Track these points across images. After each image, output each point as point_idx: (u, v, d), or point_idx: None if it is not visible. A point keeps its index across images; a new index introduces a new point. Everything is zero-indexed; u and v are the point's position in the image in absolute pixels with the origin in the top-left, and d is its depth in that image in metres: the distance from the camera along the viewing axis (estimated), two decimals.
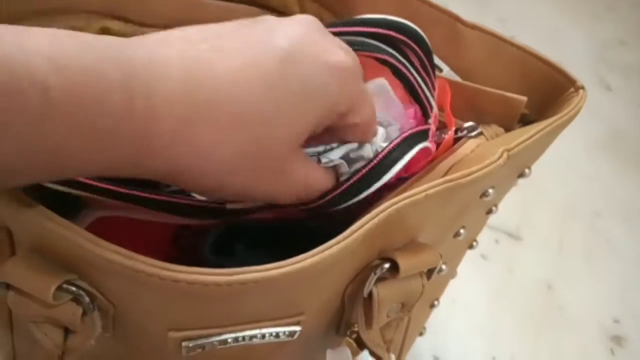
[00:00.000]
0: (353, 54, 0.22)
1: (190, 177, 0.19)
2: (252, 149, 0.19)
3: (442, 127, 0.29)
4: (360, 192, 0.24)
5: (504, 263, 0.53)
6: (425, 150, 0.26)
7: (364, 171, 0.24)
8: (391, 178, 0.24)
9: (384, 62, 0.26)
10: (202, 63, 0.18)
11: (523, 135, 0.26)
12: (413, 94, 0.27)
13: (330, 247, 0.20)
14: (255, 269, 0.19)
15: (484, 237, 0.54)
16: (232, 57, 0.19)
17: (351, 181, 0.23)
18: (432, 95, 0.28)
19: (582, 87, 0.28)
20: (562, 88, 0.29)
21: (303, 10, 0.33)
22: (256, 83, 0.19)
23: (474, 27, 0.30)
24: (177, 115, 0.18)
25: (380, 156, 0.24)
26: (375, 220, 0.21)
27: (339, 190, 0.23)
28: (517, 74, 0.30)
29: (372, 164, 0.24)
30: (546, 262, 0.54)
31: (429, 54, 0.27)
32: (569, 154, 0.64)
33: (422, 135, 0.26)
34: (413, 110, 0.27)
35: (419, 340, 0.40)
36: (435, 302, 0.37)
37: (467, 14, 0.83)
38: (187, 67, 0.18)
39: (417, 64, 0.27)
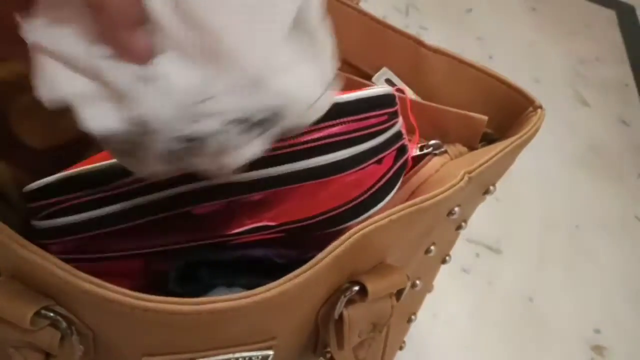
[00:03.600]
0: None
1: None
2: None
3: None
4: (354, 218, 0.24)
5: (485, 276, 0.54)
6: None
7: (360, 199, 0.24)
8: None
9: None
10: None
11: (484, 156, 0.27)
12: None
13: (298, 275, 0.21)
14: (223, 299, 0.20)
15: (465, 251, 0.55)
16: None
17: (349, 206, 0.24)
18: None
19: (540, 107, 0.29)
20: (521, 107, 0.30)
21: None
22: None
23: (436, 50, 0.31)
24: None
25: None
26: (342, 247, 0.22)
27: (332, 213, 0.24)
28: (479, 95, 0.31)
29: (370, 192, 0.24)
30: (527, 274, 0.55)
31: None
32: (547, 168, 0.65)
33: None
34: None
35: (400, 355, 0.41)
36: (413, 317, 0.37)
37: (445, 33, 0.85)
38: None
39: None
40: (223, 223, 0.24)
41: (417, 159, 0.31)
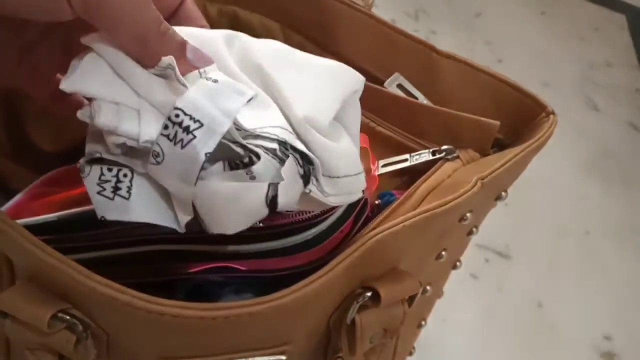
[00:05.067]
0: None
1: None
2: None
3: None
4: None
5: (494, 282, 0.54)
6: None
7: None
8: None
9: None
10: None
11: (496, 163, 0.27)
12: None
13: (312, 281, 0.21)
14: (239, 304, 0.20)
15: (474, 257, 0.55)
16: None
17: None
18: None
19: (553, 113, 0.29)
20: (533, 113, 0.30)
21: (287, 42, 0.35)
22: None
23: (448, 56, 0.31)
24: None
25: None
26: (356, 253, 0.22)
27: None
28: (491, 101, 0.31)
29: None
30: (536, 280, 0.55)
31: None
32: (557, 174, 0.65)
33: None
34: None
35: (409, 359, 0.41)
36: (423, 323, 0.37)
37: (454, 38, 0.84)
38: None
39: None
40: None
41: (429, 164, 0.31)
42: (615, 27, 0.89)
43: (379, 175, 0.31)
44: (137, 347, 0.23)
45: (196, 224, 0.22)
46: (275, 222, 0.24)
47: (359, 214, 0.27)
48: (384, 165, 0.32)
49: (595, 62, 0.82)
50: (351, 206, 0.26)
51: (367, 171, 0.29)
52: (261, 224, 0.24)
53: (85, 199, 0.27)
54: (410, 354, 0.40)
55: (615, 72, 0.81)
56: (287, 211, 0.24)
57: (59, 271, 0.20)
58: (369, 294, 0.24)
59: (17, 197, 0.31)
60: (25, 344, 0.22)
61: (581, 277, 0.56)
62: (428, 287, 0.32)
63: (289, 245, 0.25)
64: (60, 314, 0.21)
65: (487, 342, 0.49)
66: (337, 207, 0.25)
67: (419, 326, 0.37)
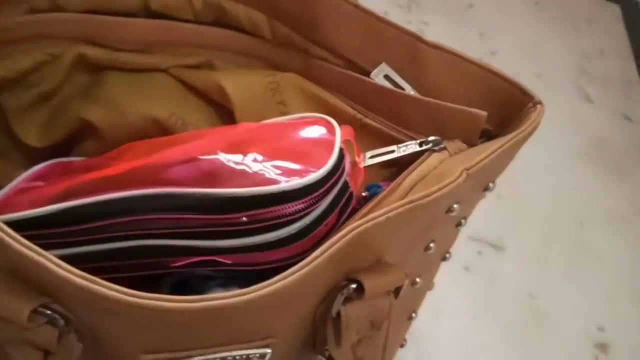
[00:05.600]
0: None
1: None
2: None
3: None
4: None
5: (487, 274, 0.53)
6: None
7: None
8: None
9: None
10: None
11: (483, 153, 0.26)
12: None
13: (294, 273, 0.21)
14: (220, 297, 0.20)
15: (467, 249, 0.55)
16: None
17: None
18: None
19: (540, 103, 0.29)
20: (521, 103, 0.30)
21: (273, 33, 0.34)
22: None
23: (435, 46, 0.31)
24: None
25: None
26: (339, 244, 0.22)
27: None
28: (478, 91, 0.31)
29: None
30: (529, 272, 0.55)
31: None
32: (551, 165, 0.65)
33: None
34: None
35: (401, 352, 0.41)
36: (413, 315, 0.37)
37: (447, 29, 0.84)
38: None
39: None
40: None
41: (416, 155, 0.31)
42: (609, 18, 0.88)
43: (366, 167, 0.31)
44: (121, 341, 0.22)
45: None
46: (259, 217, 0.24)
47: (344, 207, 0.27)
48: (371, 157, 0.32)
49: (589, 53, 0.81)
50: (336, 199, 0.26)
51: (353, 164, 0.28)
52: (245, 219, 0.24)
53: (70, 194, 0.27)
54: (402, 346, 0.40)
55: (609, 63, 0.80)
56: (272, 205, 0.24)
57: (38, 265, 0.20)
58: (353, 286, 0.24)
59: (3, 192, 0.31)
60: (8, 339, 0.22)
61: (574, 269, 0.56)
62: (418, 279, 0.32)
63: (273, 239, 0.25)
64: (40, 309, 0.21)
65: (479, 333, 0.49)
66: (321, 200, 0.25)
67: (410, 318, 0.37)
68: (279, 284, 0.20)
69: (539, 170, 0.63)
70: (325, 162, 0.25)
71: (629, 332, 0.52)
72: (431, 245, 0.30)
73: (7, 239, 0.20)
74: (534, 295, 0.53)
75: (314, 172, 0.25)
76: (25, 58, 0.32)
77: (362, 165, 0.29)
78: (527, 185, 0.60)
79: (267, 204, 0.24)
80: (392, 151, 0.31)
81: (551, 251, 0.57)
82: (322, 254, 0.22)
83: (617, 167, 0.67)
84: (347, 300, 0.24)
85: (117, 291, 0.19)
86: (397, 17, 0.29)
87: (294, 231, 0.25)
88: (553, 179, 0.64)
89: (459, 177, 0.25)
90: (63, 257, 0.21)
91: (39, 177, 0.32)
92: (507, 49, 0.77)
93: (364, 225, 0.23)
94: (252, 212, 0.24)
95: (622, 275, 0.57)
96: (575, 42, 0.82)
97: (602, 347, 0.51)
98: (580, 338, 0.51)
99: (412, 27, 0.31)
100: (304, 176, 0.24)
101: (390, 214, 0.23)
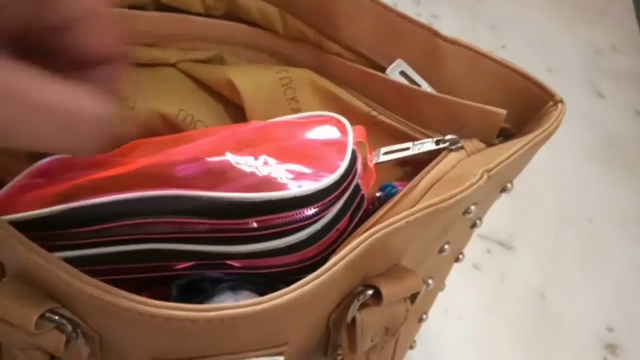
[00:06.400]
0: None
1: None
2: None
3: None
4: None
5: (497, 273, 0.53)
6: None
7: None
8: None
9: None
10: None
11: (503, 154, 0.26)
12: None
13: (311, 281, 0.20)
14: (234, 306, 0.19)
15: (476, 247, 0.54)
16: None
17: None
18: None
19: (561, 101, 0.28)
20: (541, 102, 0.29)
21: (285, 27, 0.34)
22: None
23: (453, 42, 0.30)
24: None
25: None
26: (357, 251, 0.21)
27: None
28: (497, 88, 0.30)
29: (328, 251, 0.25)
30: (539, 270, 0.54)
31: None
32: (561, 161, 0.64)
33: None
34: None
35: (411, 353, 0.40)
36: (424, 317, 0.37)
37: (457, 22, 0.83)
38: None
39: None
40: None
41: (433, 154, 0.30)
42: (622, 11, 0.87)
43: (378, 163, 0.30)
44: (130, 348, 0.22)
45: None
46: (269, 222, 0.23)
47: (356, 210, 0.26)
48: (385, 153, 0.31)
49: (601, 47, 0.80)
50: (347, 203, 0.25)
51: (365, 166, 0.28)
52: (255, 224, 0.23)
53: (75, 194, 0.26)
54: (411, 347, 0.40)
55: (621, 58, 0.79)
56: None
57: (47, 271, 0.20)
58: (370, 292, 0.23)
59: (6, 188, 0.30)
60: (15, 344, 0.22)
61: (584, 267, 0.55)
62: (430, 281, 0.31)
63: (283, 246, 0.24)
64: (48, 314, 0.20)
65: (489, 333, 0.49)
66: (333, 205, 0.24)
67: (420, 320, 0.37)
68: (295, 293, 0.20)
69: (549, 167, 0.62)
70: (337, 166, 0.24)
71: (639, 332, 0.52)
72: (446, 247, 0.29)
73: (15, 243, 0.20)
74: (544, 295, 0.52)
75: (325, 176, 0.24)
76: None
77: (372, 163, 0.29)
78: (537, 183, 0.59)
79: (279, 210, 0.23)
80: (408, 148, 0.30)
81: (561, 250, 0.56)
82: (339, 260, 0.21)
83: (629, 164, 0.66)
84: (363, 306, 0.24)
85: (129, 299, 0.19)
86: (406, 9, 0.28)
87: (304, 237, 0.24)
88: (563, 176, 0.63)
89: (479, 179, 0.24)
90: (66, 260, 0.20)
91: (41, 173, 0.31)
92: (518, 43, 0.76)
93: (383, 231, 0.22)
94: (263, 218, 0.23)
95: (633, 274, 0.56)
96: (587, 36, 0.81)
97: (611, 347, 0.50)
98: (589, 338, 0.51)
99: (422, 20, 0.30)
100: (316, 180, 0.24)
101: (410, 218, 0.22)
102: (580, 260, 0.56)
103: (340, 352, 0.26)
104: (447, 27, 0.72)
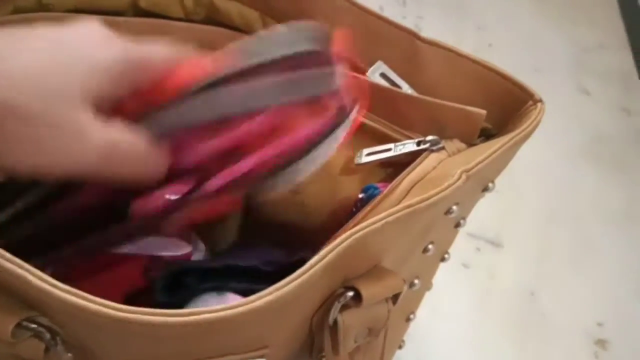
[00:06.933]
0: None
1: None
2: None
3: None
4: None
5: (486, 271, 0.53)
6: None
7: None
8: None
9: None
10: None
11: (482, 154, 0.26)
12: None
13: (288, 283, 0.20)
14: (210, 310, 0.19)
15: (465, 246, 0.55)
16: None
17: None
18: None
19: (540, 100, 0.28)
20: (521, 102, 0.29)
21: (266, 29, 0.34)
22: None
23: (432, 43, 0.30)
24: None
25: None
26: (335, 252, 0.21)
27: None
28: (477, 89, 0.30)
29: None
30: (528, 268, 0.54)
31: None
32: (548, 159, 0.64)
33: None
34: None
35: (400, 353, 0.40)
36: (412, 316, 0.37)
37: (445, 22, 0.83)
38: None
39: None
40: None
41: (414, 155, 0.30)
42: (607, 9, 0.87)
43: (361, 164, 0.30)
44: (108, 354, 0.22)
45: None
46: None
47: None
48: (368, 155, 0.31)
49: (587, 45, 0.80)
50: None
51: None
52: None
53: None
54: (400, 347, 0.40)
55: (607, 56, 0.80)
56: None
57: (20, 279, 0.19)
58: (350, 293, 0.23)
59: None
60: None
61: (573, 264, 0.56)
62: (416, 281, 0.31)
63: None
64: (25, 323, 0.20)
65: (479, 331, 0.49)
66: None
67: (408, 320, 0.37)
68: (272, 296, 0.20)
69: (537, 166, 0.62)
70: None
71: (628, 327, 0.52)
72: (430, 247, 0.29)
73: None
74: (533, 292, 0.53)
75: None
76: None
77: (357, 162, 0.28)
78: (524, 181, 0.60)
79: None
80: (389, 149, 0.31)
81: (549, 247, 0.56)
82: (318, 262, 0.21)
83: (616, 161, 0.66)
84: (344, 308, 0.24)
85: (103, 305, 0.19)
86: (392, 11, 0.28)
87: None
88: (551, 174, 0.63)
89: (458, 179, 0.24)
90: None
91: None
92: (504, 42, 0.76)
93: (362, 232, 0.22)
94: None
95: (622, 270, 0.56)
96: (573, 35, 0.81)
97: (602, 342, 0.51)
98: (579, 334, 0.51)
99: (408, 22, 0.30)
100: None
101: (388, 219, 0.22)
102: (569, 257, 0.56)
103: (324, 354, 0.26)
104: (433, 27, 0.73)
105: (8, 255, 0.19)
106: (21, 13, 0.31)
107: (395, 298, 0.25)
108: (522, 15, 0.82)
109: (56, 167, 0.21)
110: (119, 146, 0.22)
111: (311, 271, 0.21)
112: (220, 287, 0.25)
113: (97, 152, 0.21)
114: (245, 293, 0.24)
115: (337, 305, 0.23)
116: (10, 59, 0.20)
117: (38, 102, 0.20)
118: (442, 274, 0.36)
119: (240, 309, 0.19)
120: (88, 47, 0.22)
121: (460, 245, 0.34)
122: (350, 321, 0.24)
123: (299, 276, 0.20)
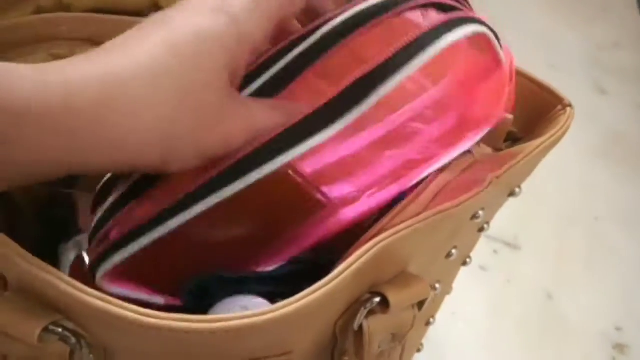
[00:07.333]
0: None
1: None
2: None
3: None
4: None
5: (503, 273, 0.52)
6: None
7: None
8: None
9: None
10: None
11: (511, 159, 0.25)
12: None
13: (317, 290, 0.20)
14: (239, 316, 0.19)
15: (483, 248, 0.54)
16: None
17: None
18: None
19: (570, 105, 0.28)
20: (549, 106, 0.28)
21: None
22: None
23: None
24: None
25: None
26: (363, 259, 0.21)
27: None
28: None
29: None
30: (546, 271, 0.54)
31: None
32: (565, 160, 0.63)
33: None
34: None
35: (418, 356, 0.40)
36: (431, 320, 0.36)
37: None
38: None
39: None
40: None
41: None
42: (624, 7, 0.86)
43: None
44: (135, 358, 0.22)
45: None
46: None
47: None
48: None
49: (603, 43, 0.79)
50: None
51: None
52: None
53: None
54: (418, 350, 0.40)
55: (624, 54, 0.79)
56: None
57: (48, 284, 0.19)
58: (377, 299, 0.23)
59: None
60: (20, 357, 0.21)
61: (591, 267, 0.55)
62: (437, 285, 0.31)
63: None
64: (51, 327, 0.20)
65: (497, 334, 0.48)
66: None
67: (427, 324, 0.36)
68: (301, 303, 0.19)
69: (554, 167, 0.61)
70: None
71: None
72: (453, 251, 0.29)
73: (12, 255, 0.20)
74: (551, 295, 0.52)
75: None
76: (29, 60, 0.31)
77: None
78: (541, 183, 0.59)
79: None
80: None
81: (567, 249, 0.56)
82: (346, 269, 0.21)
83: (633, 161, 0.66)
84: (370, 313, 0.23)
85: (132, 311, 0.18)
86: None
87: None
88: (568, 175, 0.62)
89: (488, 185, 0.24)
90: None
91: None
92: (518, 39, 0.75)
93: (391, 238, 0.22)
94: None
95: (639, 272, 0.56)
96: (590, 32, 0.80)
97: (620, 347, 0.50)
98: (597, 338, 0.50)
99: None
100: None
101: (417, 225, 0.22)
102: (587, 259, 0.56)
103: (346, 358, 0.26)
104: None
105: (36, 260, 0.19)
106: (42, 13, 0.31)
107: (421, 304, 0.25)
108: (536, 13, 0.81)
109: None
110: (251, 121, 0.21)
111: (340, 278, 0.20)
112: (243, 291, 0.25)
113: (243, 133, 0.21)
114: (268, 296, 0.24)
115: (363, 311, 0.23)
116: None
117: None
118: (460, 277, 0.36)
119: (270, 315, 0.19)
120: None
121: (478, 248, 0.33)
122: (375, 327, 0.23)
123: (328, 282, 0.20)
